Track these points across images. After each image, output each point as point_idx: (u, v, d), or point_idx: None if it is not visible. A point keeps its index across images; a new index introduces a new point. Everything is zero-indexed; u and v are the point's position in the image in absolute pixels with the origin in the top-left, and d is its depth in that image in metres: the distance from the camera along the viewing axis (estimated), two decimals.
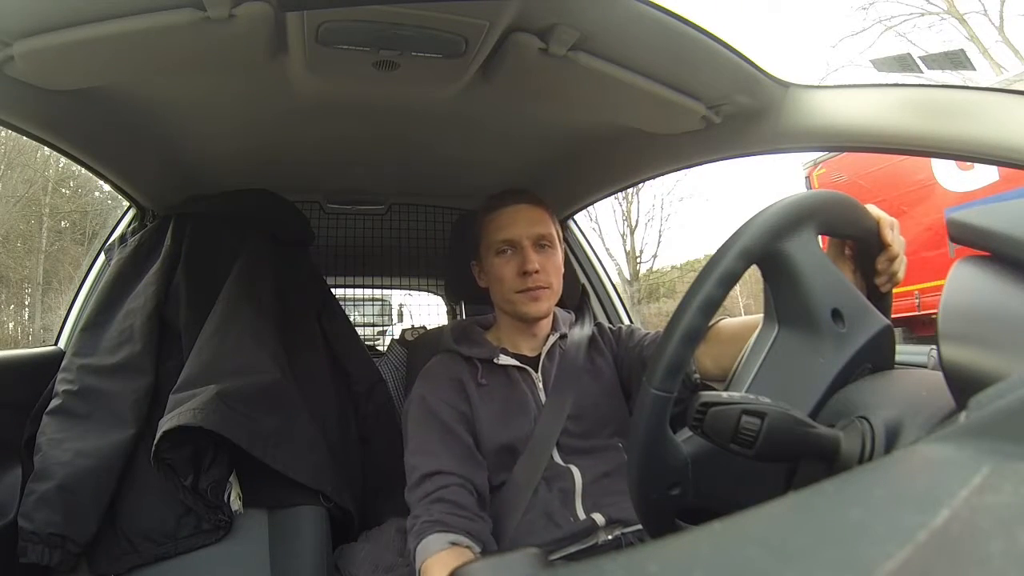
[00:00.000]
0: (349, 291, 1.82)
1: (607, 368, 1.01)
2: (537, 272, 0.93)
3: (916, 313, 4.75)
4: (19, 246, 10.18)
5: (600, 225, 13.22)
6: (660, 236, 13.62)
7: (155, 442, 0.89)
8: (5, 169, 9.55)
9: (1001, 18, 8.99)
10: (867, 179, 5.46)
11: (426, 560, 0.77)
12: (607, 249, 13.26)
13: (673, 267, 13.76)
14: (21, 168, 9.67)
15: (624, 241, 13.52)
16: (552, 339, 1.01)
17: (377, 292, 2.13)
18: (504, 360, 0.96)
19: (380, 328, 2.64)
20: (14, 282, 10.22)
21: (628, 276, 13.30)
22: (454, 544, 0.78)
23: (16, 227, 10.04)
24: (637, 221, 13.46)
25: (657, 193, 13.35)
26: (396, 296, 2.59)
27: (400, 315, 2.73)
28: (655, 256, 13.61)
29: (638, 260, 13.52)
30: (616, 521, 0.87)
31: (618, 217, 13.52)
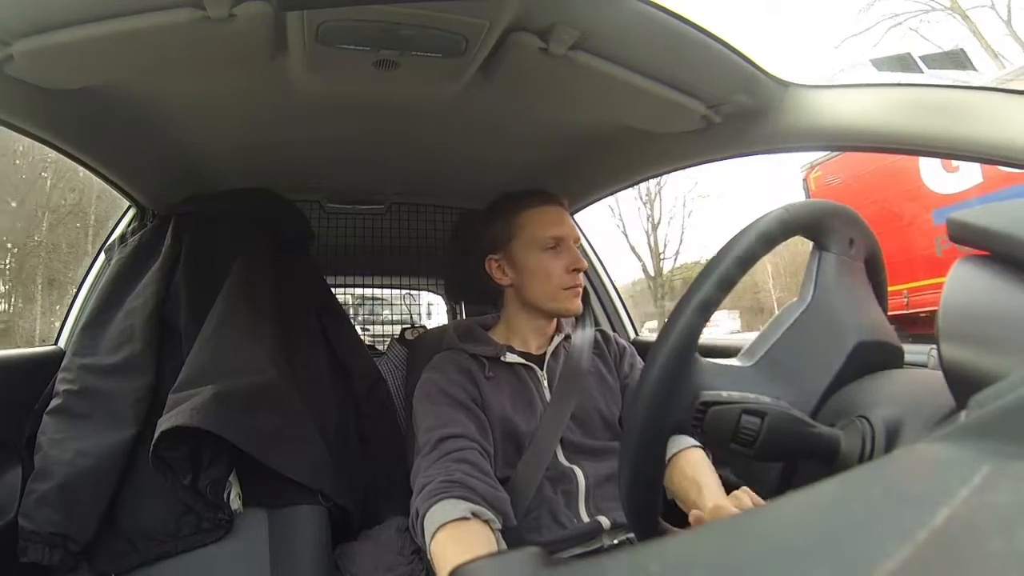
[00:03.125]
0: (385, 291, 1.85)
1: (610, 376, 1.02)
2: (582, 270, 0.98)
3: (905, 311, 4.84)
4: (65, 250, 10.57)
5: (624, 222, 13.48)
6: (683, 233, 13.97)
7: (153, 442, 0.89)
8: (55, 180, 10.01)
9: (1009, 12, 8.97)
10: (859, 181, 5.63)
11: (442, 527, 0.69)
12: (632, 247, 13.52)
13: (696, 263, 13.93)
14: (68, 178, 10.11)
15: (648, 238, 13.79)
16: (558, 339, 1.02)
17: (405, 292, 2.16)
18: (510, 358, 0.97)
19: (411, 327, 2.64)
20: (62, 284, 10.50)
21: (652, 273, 13.57)
22: (475, 516, 0.71)
23: (65, 234, 10.50)
24: (660, 219, 13.76)
25: (679, 192, 13.65)
26: (424, 295, 2.57)
27: (429, 313, 2.73)
28: (678, 253, 13.94)
29: (661, 257, 13.76)
30: (621, 525, 0.87)
31: (642, 216, 13.80)
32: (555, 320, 1.03)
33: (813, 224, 0.50)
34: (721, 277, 0.44)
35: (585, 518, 0.87)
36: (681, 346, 0.43)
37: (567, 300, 0.97)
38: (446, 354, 1.00)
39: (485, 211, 1.07)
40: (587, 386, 0.97)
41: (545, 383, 0.97)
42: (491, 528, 0.72)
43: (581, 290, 0.98)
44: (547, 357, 1.00)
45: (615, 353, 1.06)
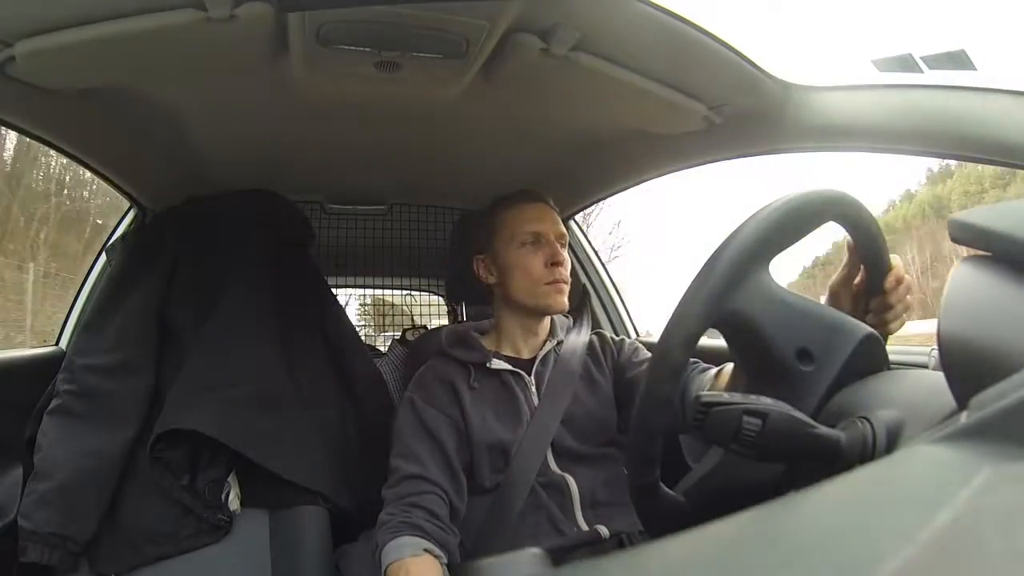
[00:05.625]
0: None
1: (604, 380, 1.00)
2: (562, 265, 0.96)
3: None
4: None
5: None
6: None
7: (151, 442, 0.89)
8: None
9: None
10: None
11: (398, 560, 0.78)
12: None
13: None
14: None
15: None
16: (549, 344, 1.01)
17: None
18: (497, 364, 0.96)
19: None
20: None
21: None
22: (427, 552, 0.79)
23: None
24: None
25: None
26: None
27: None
28: None
29: None
30: (620, 534, 0.87)
31: None
32: (545, 321, 1.01)
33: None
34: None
35: (584, 527, 0.87)
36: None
37: (549, 296, 0.96)
38: (432, 365, 1.01)
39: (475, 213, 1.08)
40: (578, 391, 0.96)
41: (533, 389, 0.96)
42: (440, 563, 0.80)
43: (565, 286, 0.97)
44: (536, 362, 0.98)
45: (611, 353, 1.03)
